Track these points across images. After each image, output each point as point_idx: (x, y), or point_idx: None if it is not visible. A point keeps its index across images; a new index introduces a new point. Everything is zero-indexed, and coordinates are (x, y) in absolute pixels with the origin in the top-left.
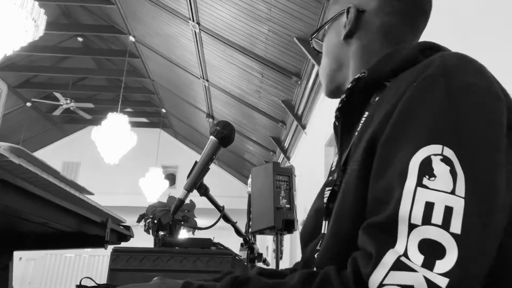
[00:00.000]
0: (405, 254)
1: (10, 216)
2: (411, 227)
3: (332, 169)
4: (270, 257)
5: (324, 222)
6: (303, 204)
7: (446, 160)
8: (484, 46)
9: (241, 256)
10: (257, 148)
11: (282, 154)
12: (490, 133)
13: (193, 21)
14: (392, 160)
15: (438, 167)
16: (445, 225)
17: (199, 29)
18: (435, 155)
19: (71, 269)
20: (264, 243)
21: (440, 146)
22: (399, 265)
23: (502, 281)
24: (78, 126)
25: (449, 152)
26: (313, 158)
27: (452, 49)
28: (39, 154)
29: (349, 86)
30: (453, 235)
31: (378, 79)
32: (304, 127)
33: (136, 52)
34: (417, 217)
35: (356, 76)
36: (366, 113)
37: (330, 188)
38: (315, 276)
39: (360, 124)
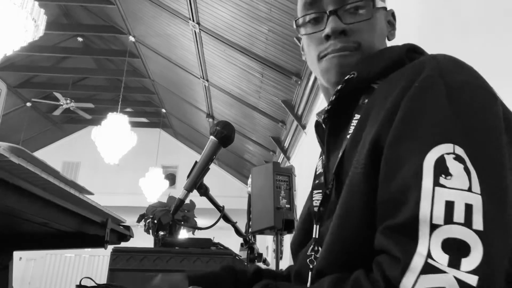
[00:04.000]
0: (429, 255)
1: (10, 216)
2: (433, 227)
3: (318, 172)
4: (270, 257)
5: (315, 226)
6: (303, 204)
7: (459, 158)
8: (484, 46)
9: (241, 256)
10: (257, 148)
11: (282, 154)
12: (493, 128)
13: (193, 21)
14: (403, 161)
15: (453, 165)
16: (468, 222)
17: (199, 29)
18: (448, 153)
19: (71, 269)
20: (264, 243)
21: (451, 145)
22: (428, 268)
23: None
24: (78, 126)
25: (460, 150)
26: (313, 158)
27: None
28: (39, 154)
29: (338, 87)
30: (476, 231)
31: (367, 80)
32: (304, 127)
33: (136, 52)
34: (439, 217)
35: (346, 78)
36: (356, 115)
37: (319, 191)
38: (345, 280)
39: (351, 127)
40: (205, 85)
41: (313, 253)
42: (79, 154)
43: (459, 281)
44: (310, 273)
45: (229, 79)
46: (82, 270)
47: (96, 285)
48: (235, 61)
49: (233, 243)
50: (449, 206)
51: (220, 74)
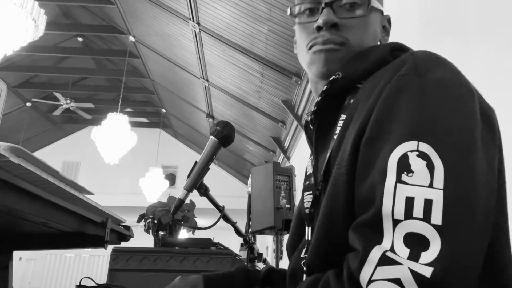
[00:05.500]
0: (392, 249)
1: (10, 216)
2: (395, 222)
3: (308, 173)
4: (270, 257)
5: (307, 228)
6: None
7: (422, 155)
8: (483, 46)
9: (241, 256)
10: (257, 148)
11: (282, 154)
12: (465, 123)
13: (193, 21)
14: (373, 160)
15: (415, 162)
16: (426, 217)
17: (199, 29)
18: (411, 151)
19: (71, 269)
20: (264, 243)
21: (415, 142)
22: (385, 260)
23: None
24: (78, 126)
25: (425, 147)
26: None
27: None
28: (39, 154)
29: (324, 88)
30: (435, 226)
31: (352, 80)
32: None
33: (136, 52)
34: (400, 212)
35: (331, 78)
36: (343, 115)
37: (310, 193)
38: (318, 282)
39: (338, 127)
40: (205, 85)
41: (306, 255)
42: (79, 154)
43: (413, 272)
44: (304, 275)
45: (229, 79)
46: (82, 270)
47: (96, 285)
48: (235, 61)
49: (233, 243)
50: (409, 201)
51: (220, 74)
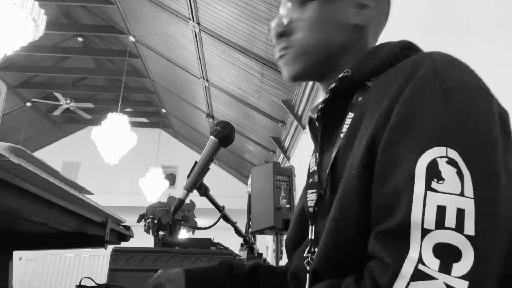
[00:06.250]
0: (420, 260)
1: (10, 216)
2: (425, 232)
3: (311, 170)
4: (270, 257)
5: (310, 227)
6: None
7: (451, 162)
8: (483, 46)
9: (241, 256)
10: (257, 148)
11: (282, 154)
12: (489, 129)
13: (193, 21)
14: (396, 165)
15: (445, 169)
16: (459, 227)
17: (199, 29)
18: (441, 157)
19: (71, 269)
20: (264, 243)
21: (444, 148)
22: (418, 275)
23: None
24: (78, 126)
25: (453, 153)
26: None
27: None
28: (39, 154)
29: (332, 86)
30: (468, 237)
31: (361, 78)
32: (304, 127)
33: (136, 52)
34: (430, 222)
35: (340, 76)
36: (350, 113)
37: (314, 191)
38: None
39: (345, 126)
40: (205, 85)
41: (309, 254)
42: (79, 154)
43: (448, 287)
44: (307, 275)
45: (229, 79)
46: (82, 270)
47: (96, 285)
48: (235, 61)
49: (233, 243)
50: (441, 210)
51: (220, 74)
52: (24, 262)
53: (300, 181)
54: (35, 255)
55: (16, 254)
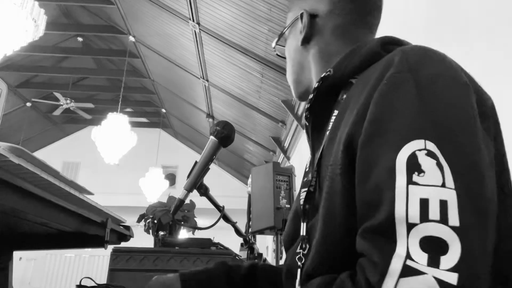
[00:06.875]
0: (408, 256)
1: (10, 216)
2: (410, 226)
3: (306, 170)
4: (270, 257)
5: (302, 224)
6: None
7: (430, 154)
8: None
9: (241, 256)
10: (257, 148)
11: (282, 154)
12: (464, 119)
13: (193, 21)
14: (376, 161)
15: (425, 162)
16: (443, 219)
17: (199, 29)
18: (420, 150)
19: (71, 269)
20: (264, 243)
21: (423, 141)
22: (407, 271)
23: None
24: (78, 126)
25: (431, 145)
26: None
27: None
28: (39, 154)
29: (315, 85)
30: (453, 228)
31: (344, 76)
32: (303, 127)
33: (136, 52)
34: (415, 216)
35: (322, 75)
36: (335, 111)
37: (306, 189)
38: (332, 283)
39: (331, 123)
40: (205, 85)
41: (301, 250)
42: (79, 154)
43: (439, 281)
44: (299, 270)
45: (229, 79)
46: (82, 270)
47: (96, 285)
48: (235, 61)
49: (233, 243)
50: (424, 203)
51: (220, 74)
52: (24, 262)
53: (300, 181)
54: (35, 255)
55: (16, 254)
